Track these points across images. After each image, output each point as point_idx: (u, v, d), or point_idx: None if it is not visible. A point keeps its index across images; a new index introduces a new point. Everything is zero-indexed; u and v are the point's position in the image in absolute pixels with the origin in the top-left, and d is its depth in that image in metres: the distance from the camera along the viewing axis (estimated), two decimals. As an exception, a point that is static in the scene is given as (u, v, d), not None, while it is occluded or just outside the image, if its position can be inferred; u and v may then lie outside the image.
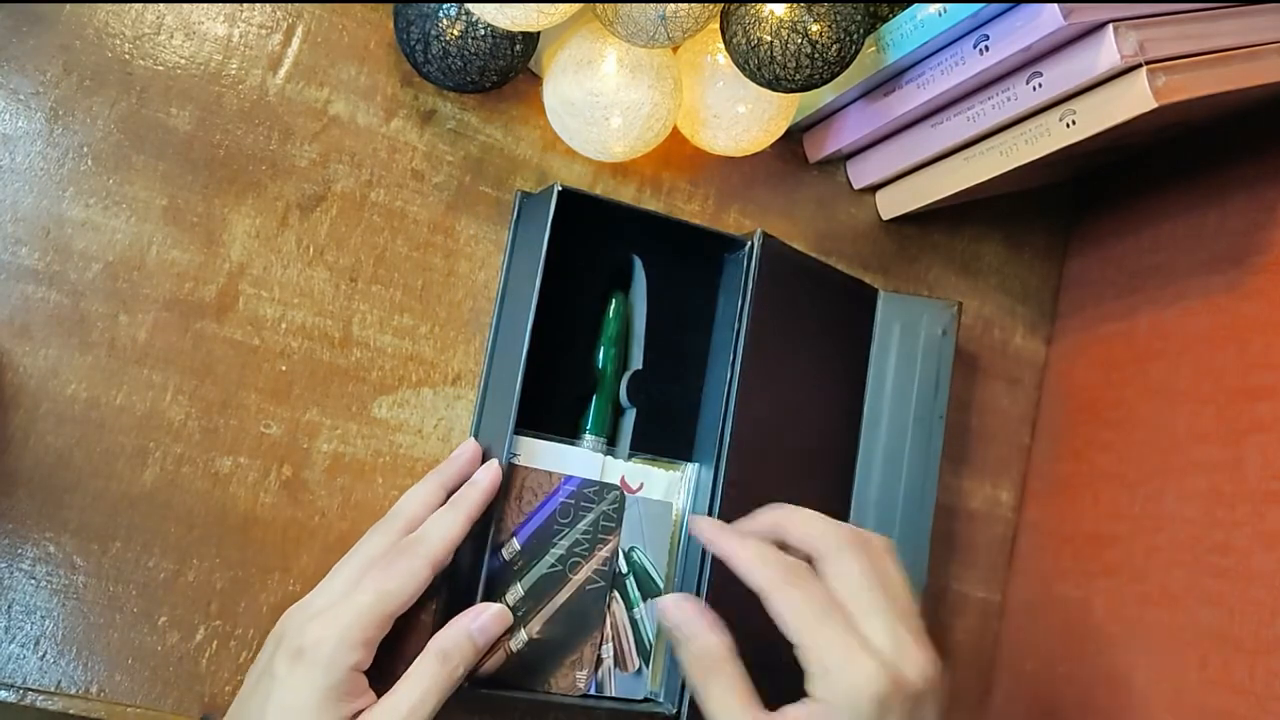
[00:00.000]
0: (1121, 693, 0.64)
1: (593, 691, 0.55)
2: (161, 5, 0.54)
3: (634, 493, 0.58)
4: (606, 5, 0.52)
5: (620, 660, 0.57)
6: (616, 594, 0.57)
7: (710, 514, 0.58)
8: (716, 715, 0.44)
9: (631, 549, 0.58)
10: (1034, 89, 0.57)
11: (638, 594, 0.58)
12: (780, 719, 0.43)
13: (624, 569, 0.58)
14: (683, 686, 0.57)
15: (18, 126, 0.52)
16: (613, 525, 0.57)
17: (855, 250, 0.70)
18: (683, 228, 0.59)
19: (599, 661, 0.56)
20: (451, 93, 0.59)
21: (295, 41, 0.57)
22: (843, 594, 0.44)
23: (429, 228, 0.59)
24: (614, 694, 0.56)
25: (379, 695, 0.47)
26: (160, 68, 0.54)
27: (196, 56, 0.55)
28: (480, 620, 0.50)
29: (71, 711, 0.51)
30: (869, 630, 0.43)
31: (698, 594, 0.57)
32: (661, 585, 0.58)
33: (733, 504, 0.56)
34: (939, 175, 0.65)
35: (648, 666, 0.57)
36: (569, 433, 0.59)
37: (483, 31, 0.54)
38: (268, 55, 0.56)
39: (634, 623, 0.58)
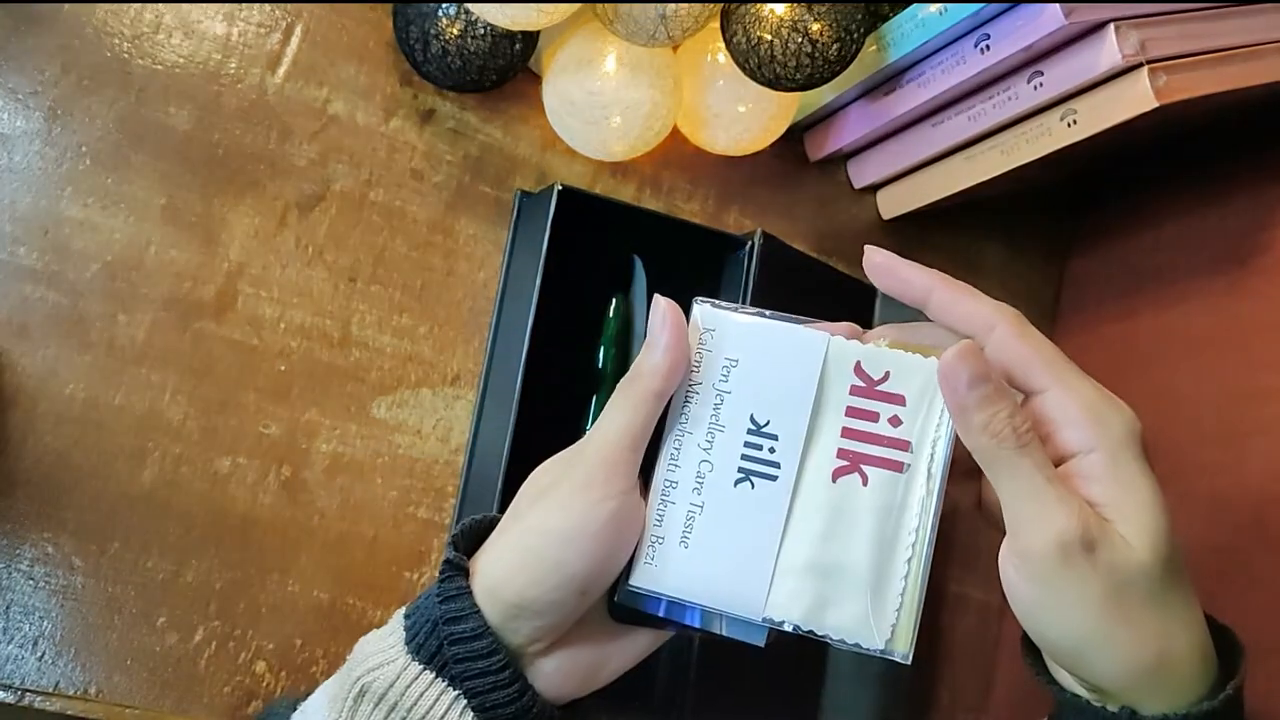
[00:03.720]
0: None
1: (795, 629, 0.38)
2: (160, 4, 0.54)
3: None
4: (606, 4, 0.52)
5: None
6: None
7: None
8: (1033, 489, 0.36)
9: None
10: (1035, 88, 0.57)
11: None
12: (1075, 483, 0.37)
13: None
14: (684, 687, 0.57)
15: (16, 126, 0.52)
16: None
17: (856, 250, 0.69)
18: (683, 228, 0.59)
19: None
20: (451, 92, 0.59)
21: (294, 40, 0.57)
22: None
23: (428, 227, 0.59)
24: (831, 635, 0.38)
25: None
26: (159, 67, 0.54)
27: (195, 56, 0.55)
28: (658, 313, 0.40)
29: (70, 712, 0.51)
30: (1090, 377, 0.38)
31: None
32: None
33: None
34: (940, 175, 0.65)
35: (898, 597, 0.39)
36: (570, 432, 0.59)
37: (482, 31, 0.53)
38: (266, 54, 0.56)
39: None
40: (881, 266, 0.42)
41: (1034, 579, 0.37)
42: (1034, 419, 0.37)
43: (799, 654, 0.62)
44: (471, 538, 0.42)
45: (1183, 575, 0.38)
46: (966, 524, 0.72)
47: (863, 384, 0.39)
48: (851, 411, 0.39)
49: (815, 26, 0.53)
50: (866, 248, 0.42)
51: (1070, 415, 0.37)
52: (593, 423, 0.59)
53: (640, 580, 0.39)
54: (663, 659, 0.59)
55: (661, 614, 0.40)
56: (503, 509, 0.54)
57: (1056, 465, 0.37)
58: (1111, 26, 0.53)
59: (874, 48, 0.60)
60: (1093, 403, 0.37)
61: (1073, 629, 0.37)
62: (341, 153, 0.57)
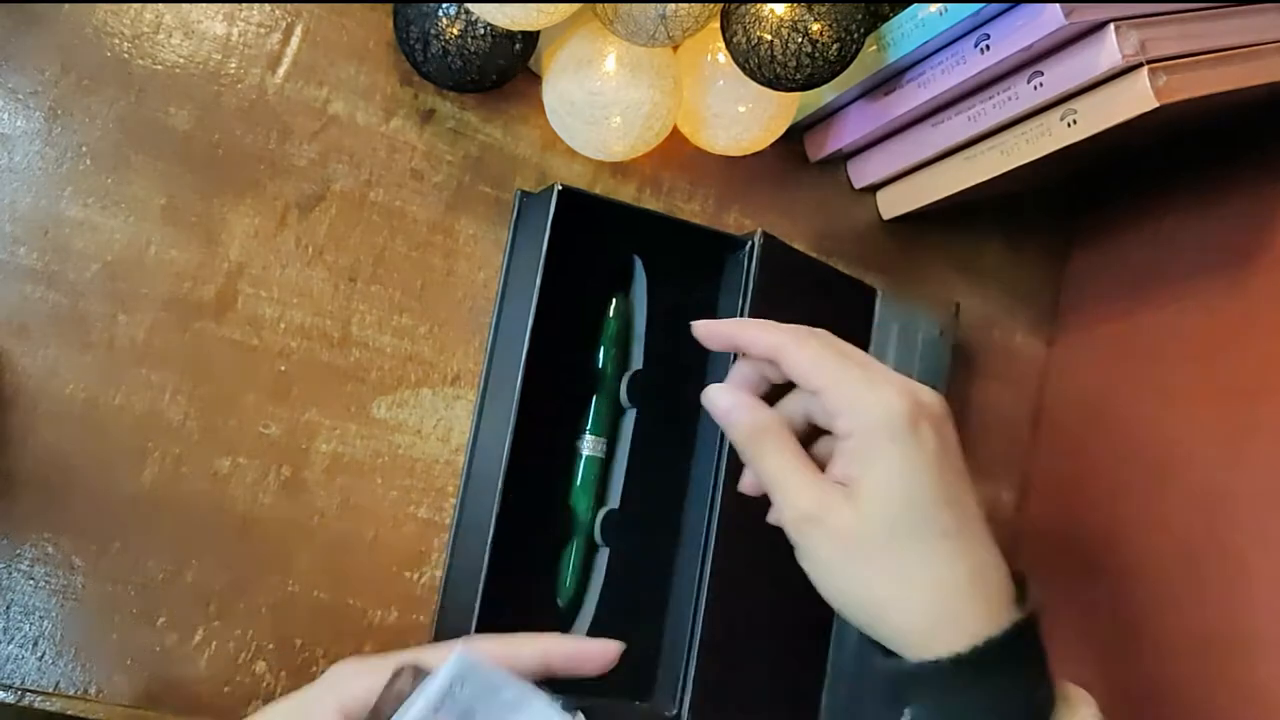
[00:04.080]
0: (1121, 693, 0.64)
1: None
2: (160, 4, 0.54)
3: None
4: (606, 4, 0.52)
5: None
6: None
7: (713, 511, 0.58)
8: (774, 477, 0.45)
9: None
10: (1035, 88, 0.57)
11: None
12: (831, 466, 0.45)
13: None
14: (681, 686, 0.57)
15: (16, 126, 0.52)
16: None
17: (856, 250, 0.70)
18: (683, 228, 0.59)
19: None
20: (451, 92, 0.59)
21: (294, 40, 0.57)
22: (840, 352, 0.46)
23: (428, 227, 0.59)
24: None
25: None
26: (159, 67, 0.54)
27: (195, 56, 0.55)
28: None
29: (70, 712, 0.51)
30: (876, 372, 0.45)
31: (699, 586, 0.56)
32: None
33: (735, 501, 0.56)
34: (939, 175, 0.65)
35: None
36: (569, 432, 0.59)
37: (482, 31, 0.53)
38: (267, 54, 0.56)
39: None
40: (703, 336, 0.48)
41: (795, 548, 0.44)
42: (819, 413, 0.45)
43: (799, 653, 0.62)
44: None
45: (927, 532, 0.42)
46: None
47: None
48: None
49: (815, 26, 0.53)
50: (693, 325, 0.48)
51: (838, 407, 0.44)
52: (592, 423, 0.59)
53: None
54: (662, 657, 0.59)
55: None
56: (501, 509, 0.54)
57: (833, 448, 0.44)
58: (1111, 26, 0.53)
59: (874, 48, 0.60)
60: (854, 396, 0.43)
61: (826, 589, 0.44)
62: (342, 153, 0.57)
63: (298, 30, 0.57)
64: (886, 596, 0.43)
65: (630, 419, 0.60)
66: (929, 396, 0.45)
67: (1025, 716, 0.42)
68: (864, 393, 0.43)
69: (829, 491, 0.43)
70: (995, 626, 0.42)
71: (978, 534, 0.44)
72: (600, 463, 0.59)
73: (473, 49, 0.54)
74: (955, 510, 0.43)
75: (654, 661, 0.59)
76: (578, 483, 0.59)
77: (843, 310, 0.65)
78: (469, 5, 0.52)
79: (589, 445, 0.59)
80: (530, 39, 0.55)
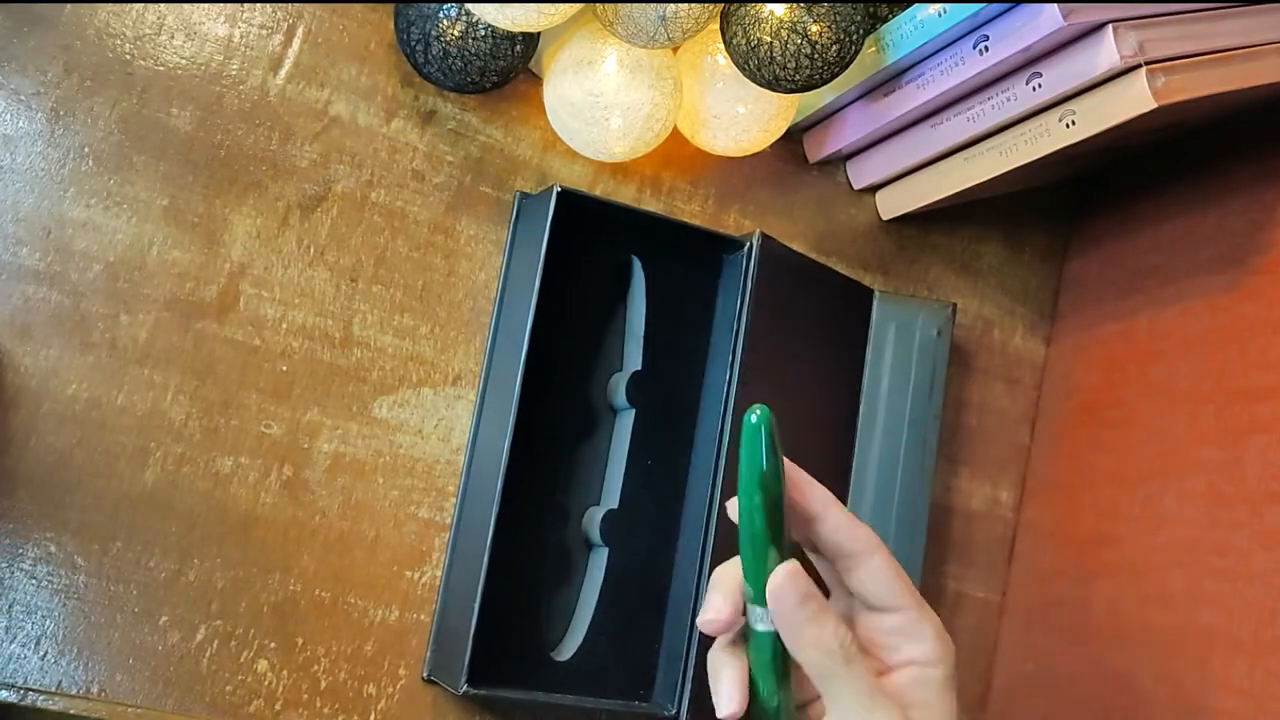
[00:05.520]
0: (1121, 693, 0.64)
1: None
2: (162, 5, 0.55)
3: None
4: (606, 6, 0.53)
5: None
6: None
7: (711, 512, 0.58)
8: (824, 664, 0.40)
9: None
10: (1034, 89, 0.57)
11: None
12: (887, 676, 0.42)
13: None
14: (681, 686, 0.57)
15: (19, 127, 0.52)
16: None
17: (855, 250, 0.70)
18: (682, 228, 0.60)
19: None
20: (452, 93, 0.59)
21: (296, 42, 0.57)
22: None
23: (429, 228, 0.59)
24: None
25: None
26: (161, 68, 0.55)
27: (197, 57, 0.55)
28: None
29: (72, 711, 0.52)
30: (928, 609, 0.44)
31: None
32: None
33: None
34: (939, 175, 0.65)
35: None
36: (570, 432, 0.59)
37: (483, 32, 0.54)
38: (268, 56, 0.56)
39: None
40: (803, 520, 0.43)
41: None
42: (885, 629, 0.42)
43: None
44: None
45: None
46: (965, 523, 0.72)
47: None
48: None
49: (814, 28, 0.53)
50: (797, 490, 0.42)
51: (924, 633, 0.42)
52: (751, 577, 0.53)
53: None
54: (662, 657, 0.59)
55: None
56: (502, 508, 0.54)
57: (892, 669, 0.42)
58: (1110, 28, 0.53)
59: (873, 49, 0.60)
60: (940, 628, 0.43)
61: None
62: (343, 154, 0.58)
63: (299, 32, 0.57)
64: None
65: (630, 419, 0.60)
66: None
67: None
68: (935, 632, 0.42)
69: (888, 710, 0.40)
70: None
71: None
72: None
73: (473, 50, 0.54)
74: None
75: (654, 661, 0.60)
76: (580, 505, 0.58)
77: (840, 311, 0.65)
78: (470, 7, 0.53)
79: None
80: (531, 40, 0.56)
